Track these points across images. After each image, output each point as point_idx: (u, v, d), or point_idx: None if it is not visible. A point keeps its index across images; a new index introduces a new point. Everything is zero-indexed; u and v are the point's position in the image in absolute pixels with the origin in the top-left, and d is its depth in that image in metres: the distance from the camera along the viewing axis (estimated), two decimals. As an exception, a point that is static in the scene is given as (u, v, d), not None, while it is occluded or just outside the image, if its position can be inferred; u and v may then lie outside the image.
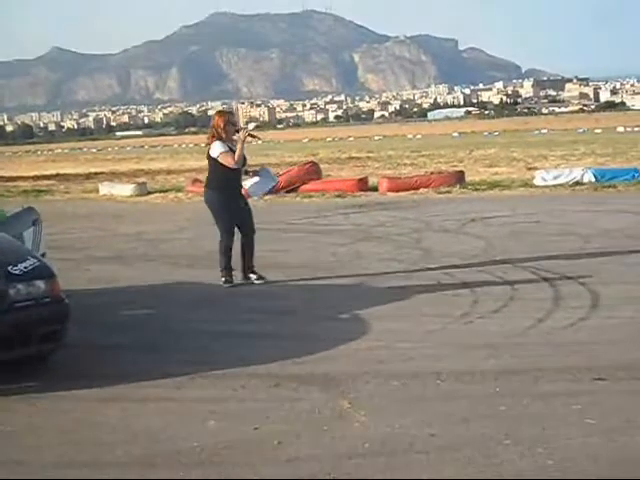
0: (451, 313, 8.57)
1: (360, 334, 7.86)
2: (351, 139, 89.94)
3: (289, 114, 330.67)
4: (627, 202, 17.75)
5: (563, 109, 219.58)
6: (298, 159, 41.57)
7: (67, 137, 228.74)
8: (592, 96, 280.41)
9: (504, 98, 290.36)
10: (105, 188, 27.67)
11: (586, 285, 9.66)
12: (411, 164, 37.15)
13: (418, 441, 5.08)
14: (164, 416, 5.79)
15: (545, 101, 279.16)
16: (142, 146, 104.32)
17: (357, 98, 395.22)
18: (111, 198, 25.89)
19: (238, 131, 10.92)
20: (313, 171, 25.39)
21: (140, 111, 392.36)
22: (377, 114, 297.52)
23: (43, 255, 8.00)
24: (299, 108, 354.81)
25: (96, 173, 41.33)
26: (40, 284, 6.75)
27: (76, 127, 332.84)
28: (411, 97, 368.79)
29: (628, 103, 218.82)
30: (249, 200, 11.12)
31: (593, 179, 22.08)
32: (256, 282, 10.82)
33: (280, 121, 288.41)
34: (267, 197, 23.11)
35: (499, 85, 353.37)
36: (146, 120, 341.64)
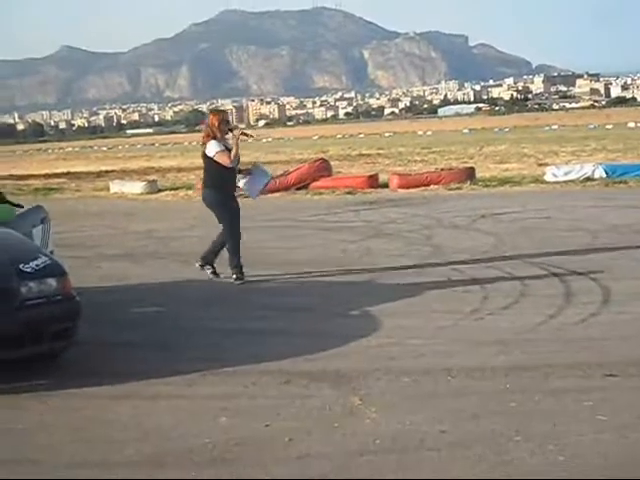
0: (461, 309, 8.57)
1: (371, 331, 7.86)
2: (361, 136, 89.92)
3: (299, 111, 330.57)
4: (638, 198, 17.69)
5: (574, 105, 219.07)
6: (308, 156, 41.56)
7: (78, 135, 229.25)
8: (603, 92, 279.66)
9: (514, 94, 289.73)
10: (116, 186, 27.72)
11: (597, 281, 9.64)
12: (421, 161, 37.12)
13: (429, 438, 5.08)
14: (175, 413, 5.80)
15: (556, 97, 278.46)
16: (153, 144, 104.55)
17: (367, 95, 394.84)
18: (122, 196, 25.94)
19: (231, 130, 10.93)
20: (323, 168, 25.39)
21: (150, 109, 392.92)
22: (387, 111, 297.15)
23: (51, 253, 8.02)
24: (309, 105, 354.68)
25: (107, 171, 41.43)
26: (51, 282, 6.77)
27: (87, 125, 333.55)
28: (421, 94, 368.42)
29: (639, 99, 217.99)
30: (243, 200, 11.23)
31: (604, 175, 22.02)
32: (209, 275, 10.99)
33: (290, 118, 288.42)
34: (277, 194, 23.20)
35: (509, 81, 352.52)
36: (156, 118, 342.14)
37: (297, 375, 6.51)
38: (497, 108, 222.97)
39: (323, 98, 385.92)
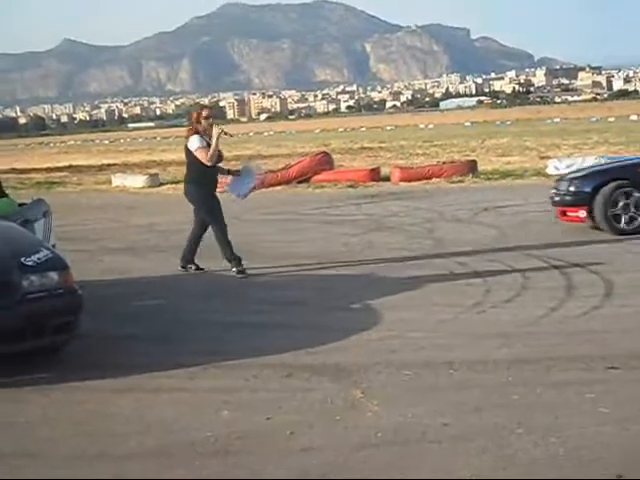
0: (463, 302, 8.56)
1: (372, 324, 7.86)
2: (363, 129, 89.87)
3: (301, 105, 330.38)
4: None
5: (576, 98, 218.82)
6: (310, 149, 41.56)
7: (79, 129, 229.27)
8: (605, 84, 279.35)
9: (516, 87, 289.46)
10: (118, 179, 27.74)
11: (599, 274, 9.63)
12: (423, 154, 37.10)
13: (431, 430, 5.08)
14: (177, 406, 5.80)
15: (558, 90, 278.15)
16: (154, 137, 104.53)
17: (369, 88, 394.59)
18: (124, 189, 25.96)
19: (212, 126, 10.92)
20: (325, 161, 25.40)
21: (152, 102, 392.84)
22: (389, 104, 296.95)
23: (53, 246, 8.02)
24: (311, 99, 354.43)
25: (109, 165, 41.44)
26: (53, 275, 6.77)
27: (88, 119, 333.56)
28: (423, 87, 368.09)
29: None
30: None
31: (606, 168, 21.98)
32: (192, 271, 11.02)
33: (292, 112, 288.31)
34: (279, 188, 23.20)
35: (511, 74, 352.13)
36: (158, 112, 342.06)
37: (298, 368, 6.51)
38: (499, 101, 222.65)
39: (325, 91, 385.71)
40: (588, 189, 12.61)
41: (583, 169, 14.33)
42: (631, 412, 5.21)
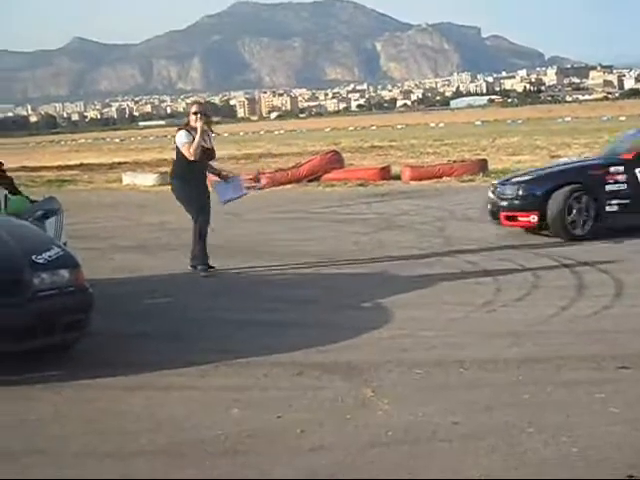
0: (474, 301, 8.56)
1: (383, 323, 7.86)
2: (373, 128, 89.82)
3: (311, 103, 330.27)
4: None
5: (587, 97, 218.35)
6: (320, 148, 41.54)
7: (90, 127, 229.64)
8: (616, 83, 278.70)
9: (527, 86, 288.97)
10: (128, 178, 27.78)
11: (609, 273, 9.62)
12: (434, 153, 37.06)
13: (441, 429, 5.08)
14: (188, 404, 5.81)
15: (569, 89, 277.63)
16: (165, 136, 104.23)
17: (379, 87, 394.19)
18: (134, 188, 25.99)
19: (208, 124, 10.93)
20: (335, 160, 25.39)
21: (163, 101, 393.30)
22: (399, 103, 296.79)
23: (64, 244, 8.04)
24: (321, 97, 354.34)
25: (119, 163, 41.49)
26: (64, 273, 6.78)
27: (99, 117, 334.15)
28: (434, 85, 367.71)
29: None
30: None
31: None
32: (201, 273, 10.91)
33: (302, 110, 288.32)
34: (289, 186, 23.21)
35: (522, 73, 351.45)
36: (169, 110, 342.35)
37: (309, 367, 6.52)
38: (510, 100, 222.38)
39: (335, 90, 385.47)
40: (539, 193, 12.23)
41: (528, 172, 13.76)
42: (642, 412, 5.20)
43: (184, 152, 10.75)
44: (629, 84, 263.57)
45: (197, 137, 10.68)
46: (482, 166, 23.96)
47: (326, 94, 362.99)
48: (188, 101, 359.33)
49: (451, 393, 5.77)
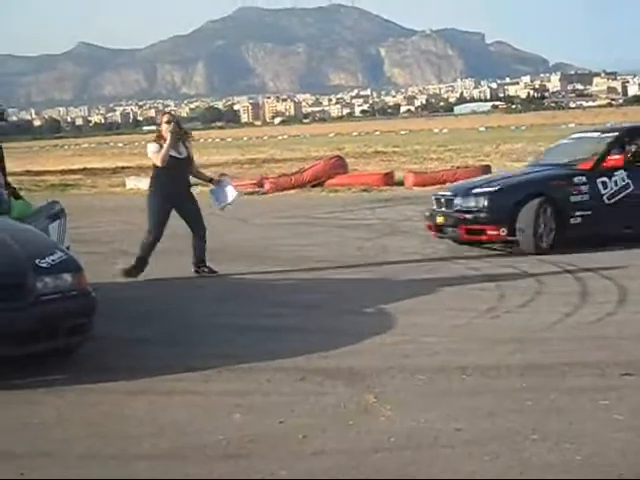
0: (477, 307, 8.55)
1: (386, 328, 7.86)
2: (377, 133, 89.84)
3: (315, 109, 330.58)
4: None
5: (591, 103, 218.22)
6: (324, 153, 41.52)
7: (94, 132, 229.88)
8: (620, 90, 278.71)
9: (531, 92, 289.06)
10: (132, 182, 27.80)
11: (613, 279, 9.61)
12: (437, 158, 37.07)
13: (444, 435, 5.06)
14: (190, 409, 5.80)
15: (573, 95, 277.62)
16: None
17: (383, 92, 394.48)
18: (138, 192, 25.95)
19: (182, 134, 10.99)
20: (339, 165, 25.41)
21: (167, 106, 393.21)
22: (403, 108, 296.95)
23: (67, 248, 8.04)
24: (325, 103, 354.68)
25: (123, 167, 41.55)
26: (67, 277, 6.78)
27: (103, 122, 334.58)
28: (437, 91, 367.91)
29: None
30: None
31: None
32: (206, 274, 10.96)
33: (306, 116, 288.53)
34: (292, 191, 23.22)
35: (526, 79, 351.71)
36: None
37: (311, 372, 6.51)
38: (514, 106, 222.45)
39: (339, 96, 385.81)
40: (508, 205, 11.67)
41: (486, 182, 12.66)
42: (645, 419, 5.19)
43: (154, 160, 10.82)
44: (633, 90, 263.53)
45: (165, 145, 10.73)
46: (486, 172, 23.88)
47: (330, 99, 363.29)
48: (192, 106, 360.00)
49: (454, 399, 5.76)
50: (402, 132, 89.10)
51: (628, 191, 12.02)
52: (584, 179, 11.93)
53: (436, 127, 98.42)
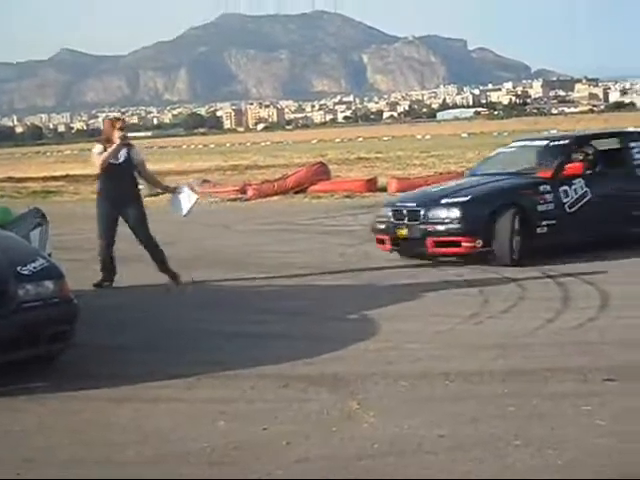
0: (460, 313, 8.57)
1: (369, 335, 7.86)
2: (360, 140, 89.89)
3: (298, 115, 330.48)
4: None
5: (573, 109, 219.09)
6: (307, 160, 41.55)
7: (76, 138, 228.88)
8: (602, 96, 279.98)
9: (513, 98, 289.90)
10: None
11: (595, 285, 9.65)
12: (420, 164, 37.11)
13: (427, 442, 5.07)
14: (174, 417, 5.79)
15: (554, 101, 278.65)
16: (151, 147, 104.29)
17: (366, 99, 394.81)
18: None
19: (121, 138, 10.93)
20: (322, 172, 25.42)
21: (149, 112, 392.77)
22: (386, 115, 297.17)
23: (49, 255, 8.02)
24: (308, 109, 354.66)
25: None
26: (49, 284, 6.77)
27: (85, 128, 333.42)
28: (420, 98, 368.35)
29: (638, 104, 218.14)
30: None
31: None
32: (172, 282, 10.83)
33: (289, 122, 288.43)
34: (275, 198, 23.22)
35: (508, 85, 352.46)
36: (155, 121, 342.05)
37: (295, 379, 6.51)
38: (496, 112, 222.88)
39: (322, 102, 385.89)
40: (484, 216, 11.23)
41: (450, 192, 11.92)
42: (627, 425, 5.21)
43: (94, 162, 10.85)
44: (614, 97, 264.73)
45: (109, 151, 10.74)
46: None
47: (313, 106, 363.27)
48: (174, 112, 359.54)
49: (437, 405, 5.77)
50: (385, 138, 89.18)
51: (586, 199, 11.88)
52: (549, 188, 11.73)
53: (419, 133, 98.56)
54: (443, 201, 11.57)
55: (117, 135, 10.80)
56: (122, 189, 10.85)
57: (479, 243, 11.18)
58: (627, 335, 7.45)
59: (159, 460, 4.99)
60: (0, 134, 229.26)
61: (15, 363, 6.63)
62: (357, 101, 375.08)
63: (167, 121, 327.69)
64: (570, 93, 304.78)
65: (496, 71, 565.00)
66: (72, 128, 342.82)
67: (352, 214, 18.65)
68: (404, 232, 11.65)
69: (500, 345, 7.25)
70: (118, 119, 11.80)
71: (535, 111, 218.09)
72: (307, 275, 11.25)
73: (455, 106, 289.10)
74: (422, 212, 11.52)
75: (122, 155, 10.83)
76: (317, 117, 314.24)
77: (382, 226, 12.06)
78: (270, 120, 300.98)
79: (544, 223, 11.55)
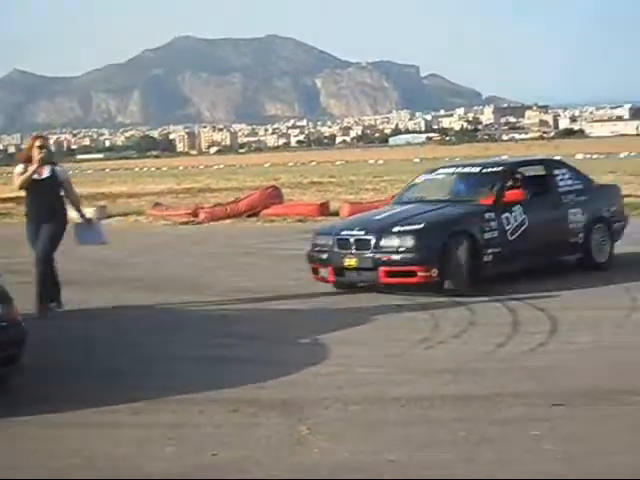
0: (410, 337, 8.59)
1: (320, 359, 7.85)
2: (313, 164, 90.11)
3: (251, 139, 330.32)
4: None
5: (523, 135, 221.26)
6: (260, 183, 41.53)
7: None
8: (552, 123, 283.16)
9: (465, 124, 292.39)
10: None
11: (545, 310, 9.72)
12: (373, 189, 37.24)
13: (377, 467, 5.06)
14: (123, 442, 5.73)
15: (505, 128, 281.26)
16: (103, 169, 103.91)
17: (319, 123, 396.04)
18: (71, 221, 25.69)
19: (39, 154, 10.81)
20: (274, 195, 25.42)
21: (101, 134, 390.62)
22: (339, 139, 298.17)
23: (-1, 278, 7.92)
24: (261, 133, 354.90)
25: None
26: (-3, 308, 6.68)
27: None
28: (373, 123, 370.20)
29: (587, 131, 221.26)
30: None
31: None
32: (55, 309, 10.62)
33: (242, 145, 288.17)
34: (228, 221, 23.17)
35: (460, 111, 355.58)
36: (107, 143, 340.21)
37: (245, 403, 6.47)
38: (448, 138, 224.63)
39: (275, 126, 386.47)
40: (438, 244, 10.90)
41: (400, 220, 11.45)
42: (575, 449, 5.24)
43: (15, 182, 10.74)
44: (564, 124, 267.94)
45: (30, 170, 10.59)
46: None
47: (266, 130, 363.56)
48: (127, 135, 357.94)
49: (388, 430, 5.77)
50: (338, 163, 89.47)
51: (525, 226, 11.75)
52: (493, 215, 11.54)
53: (371, 158, 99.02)
54: (395, 229, 11.18)
55: (37, 153, 10.62)
56: (44, 206, 10.67)
57: (435, 272, 10.82)
58: (575, 361, 7.52)
59: (107, 486, 4.93)
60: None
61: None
62: (310, 125, 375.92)
63: (119, 143, 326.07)
64: (521, 119, 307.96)
65: (448, 97, 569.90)
66: (22, 149, 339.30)
67: (304, 238, 18.57)
68: (353, 262, 11.22)
69: (451, 370, 7.27)
70: (38, 137, 11.32)
71: (486, 137, 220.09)
72: (259, 299, 11.21)
73: (407, 131, 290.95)
74: (373, 241, 11.12)
75: (46, 172, 10.67)
76: (270, 141, 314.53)
77: (324, 255, 11.57)
78: (223, 143, 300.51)
79: (490, 251, 11.33)
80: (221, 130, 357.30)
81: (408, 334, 8.77)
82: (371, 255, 11.06)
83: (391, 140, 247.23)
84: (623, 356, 7.66)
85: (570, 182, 12.80)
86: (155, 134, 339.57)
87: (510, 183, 12.15)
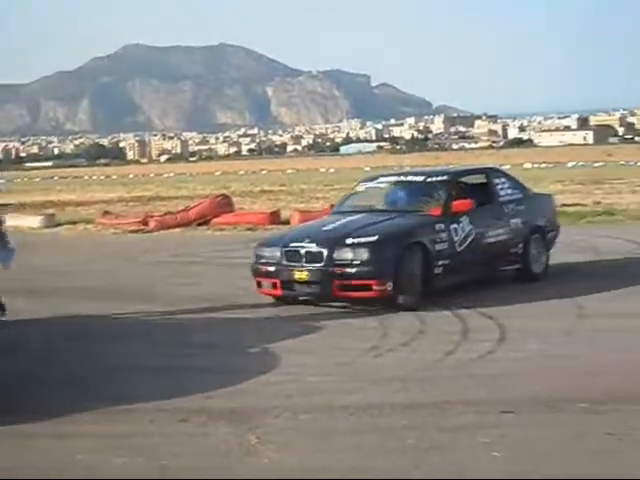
0: (360, 346, 8.61)
1: (270, 368, 7.84)
2: (264, 172, 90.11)
3: (202, 147, 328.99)
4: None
5: (473, 145, 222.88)
6: (210, 192, 41.40)
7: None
8: (501, 133, 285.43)
9: (415, 134, 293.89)
10: (12, 220, 27.16)
11: (494, 319, 9.78)
12: (323, 197, 37.30)
13: (327, 475, 5.06)
14: (74, 453, 5.67)
15: (455, 137, 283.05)
16: (52, 177, 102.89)
17: (270, 131, 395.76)
18: (18, 230, 25.44)
19: None
20: (225, 204, 25.34)
21: (50, 142, 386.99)
22: (290, 148, 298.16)
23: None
24: (212, 141, 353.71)
25: (3, 205, 40.60)
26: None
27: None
28: (324, 131, 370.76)
29: (535, 140, 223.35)
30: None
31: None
32: None
33: (193, 154, 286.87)
34: (178, 230, 23.08)
35: (410, 121, 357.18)
36: (56, 151, 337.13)
37: (194, 413, 6.45)
38: (398, 147, 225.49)
39: (226, 134, 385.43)
40: (393, 257, 10.55)
41: (351, 231, 10.99)
42: (523, 455, 5.29)
43: None
44: (513, 133, 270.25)
45: None
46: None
47: (217, 138, 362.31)
48: (76, 142, 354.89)
49: (337, 439, 5.77)
50: (289, 171, 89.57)
51: (471, 237, 11.58)
52: (443, 226, 11.26)
53: (322, 166, 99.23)
54: (348, 241, 10.73)
55: None
56: None
57: (389, 286, 10.44)
58: (523, 368, 7.59)
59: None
60: None
61: None
62: (261, 134, 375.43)
63: (69, 151, 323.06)
64: (470, 129, 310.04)
65: (398, 106, 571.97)
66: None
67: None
68: (304, 275, 10.78)
69: (400, 378, 7.30)
70: None
71: (436, 146, 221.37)
72: (209, 308, 11.17)
73: (358, 140, 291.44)
74: (325, 253, 10.67)
75: None
76: (221, 149, 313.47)
77: (271, 268, 11.05)
78: (174, 151, 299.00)
79: (440, 263, 11.10)
80: (172, 138, 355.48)
81: (357, 342, 8.79)
82: (324, 268, 10.63)
83: (342, 149, 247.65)
84: (570, 364, 7.74)
85: (510, 191, 12.73)
86: (105, 142, 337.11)
87: (455, 192, 11.99)
